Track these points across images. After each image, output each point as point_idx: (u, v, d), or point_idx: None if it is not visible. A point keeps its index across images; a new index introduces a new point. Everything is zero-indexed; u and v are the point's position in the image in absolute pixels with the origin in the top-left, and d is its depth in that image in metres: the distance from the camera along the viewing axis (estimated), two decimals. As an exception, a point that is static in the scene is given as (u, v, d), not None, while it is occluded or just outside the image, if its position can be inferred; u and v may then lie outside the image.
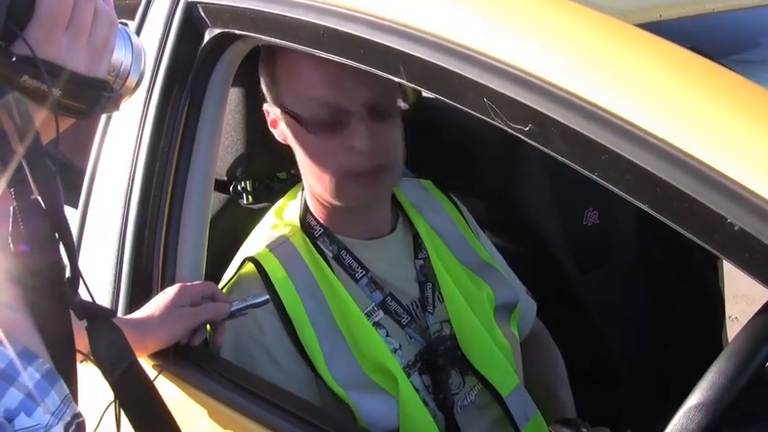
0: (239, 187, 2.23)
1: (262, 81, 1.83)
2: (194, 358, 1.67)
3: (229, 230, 2.12)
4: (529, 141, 1.17)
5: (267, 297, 1.70)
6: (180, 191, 1.79)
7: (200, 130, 1.79)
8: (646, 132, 1.05)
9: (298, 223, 1.85)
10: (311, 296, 1.75)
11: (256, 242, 1.87)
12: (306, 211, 1.86)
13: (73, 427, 1.00)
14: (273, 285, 1.73)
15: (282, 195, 1.99)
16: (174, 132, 1.78)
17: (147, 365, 1.31)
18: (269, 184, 2.24)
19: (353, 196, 1.77)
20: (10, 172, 1.00)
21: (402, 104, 1.76)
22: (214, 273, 1.89)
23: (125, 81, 1.09)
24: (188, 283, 1.71)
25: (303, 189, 1.88)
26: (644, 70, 1.12)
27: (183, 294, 1.66)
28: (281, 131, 1.82)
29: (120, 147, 1.82)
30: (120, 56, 1.08)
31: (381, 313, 1.79)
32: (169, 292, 1.67)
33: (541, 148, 1.16)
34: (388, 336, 1.77)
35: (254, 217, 2.03)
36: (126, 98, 1.12)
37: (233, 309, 1.68)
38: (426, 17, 1.31)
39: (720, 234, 1.01)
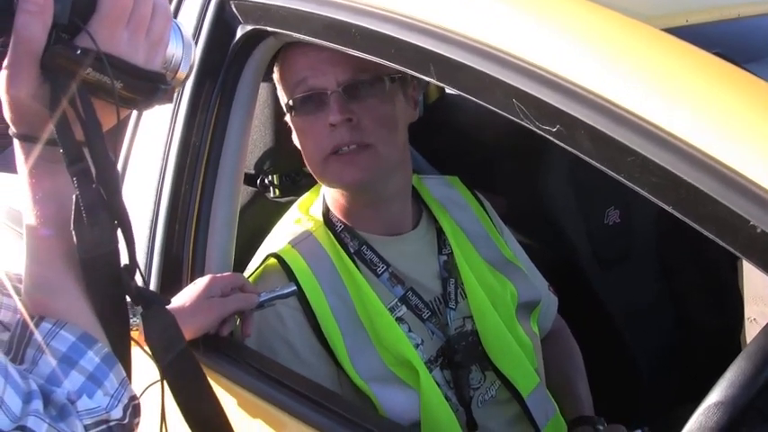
0: (266, 181, 2.25)
1: (277, 89, 1.89)
2: (224, 349, 1.69)
3: (256, 223, 2.14)
4: (556, 142, 1.19)
5: (294, 288, 1.72)
6: (210, 184, 1.82)
7: (230, 125, 1.82)
8: (671, 135, 1.07)
9: (321, 218, 1.88)
10: (334, 290, 1.77)
11: (279, 237, 1.89)
12: (327, 207, 1.89)
13: (130, 410, 1.03)
14: (297, 280, 1.76)
15: (308, 190, 2.02)
16: (205, 126, 1.80)
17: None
18: (295, 179, 2.27)
19: (338, 176, 1.79)
20: (73, 161, 1.03)
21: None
22: (241, 264, 1.92)
23: (175, 73, 1.12)
24: (218, 275, 1.74)
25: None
26: (671, 74, 1.13)
27: (212, 285, 1.69)
28: (294, 134, 1.86)
29: (151, 140, 1.85)
30: (173, 49, 1.11)
31: (404, 308, 1.81)
32: (199, 283, 1.69)
33: (569, 148, 1.18)
34: (410, 331, 1.79)
35: (280, 210, 2.05)
36: (177, 90, 1.15)
37: (261, 299, 1.71)
38: (457, 18, 1.33)
39: (743, 236, 1.02)
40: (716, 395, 1.25)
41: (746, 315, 2.34)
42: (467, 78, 1.30)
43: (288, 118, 1.86)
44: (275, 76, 1.86)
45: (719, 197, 1.03)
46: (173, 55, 1.11)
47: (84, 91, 1.01)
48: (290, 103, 1.79)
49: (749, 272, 2.22)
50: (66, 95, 1.01)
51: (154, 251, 1.80)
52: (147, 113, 1.86)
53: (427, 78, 1.37)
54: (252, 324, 1.73)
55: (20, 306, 1.19)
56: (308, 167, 1.83)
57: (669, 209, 1.09)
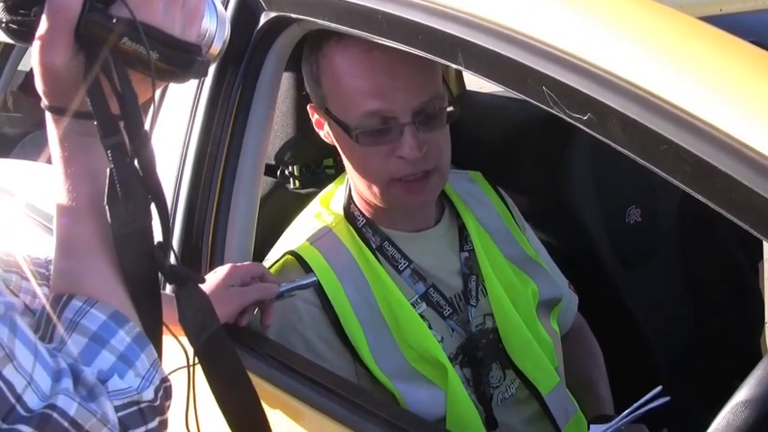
0: (287, 172, 2.24)
1: (306, 80, 1.84)
2: (244, 339, 1.68)
3: (276, 213, 2.13)
4: (587, 130, 1.17)
5: (315, 278, 1.71)
6: (231, 173, 1.80)
7: (252, 114, 1.81)
8: (705, 123, 1.05)
9: (341, 212, 1.86)
10: (355, 285, 1.76)
11: (298, 233, 1.88)
12: (350, 201, 1.87)
13: (161, 392, 1.01)
14: (316, 276, 1.75)
15: (328, 182, 2.00)
16: (226, 115, 1.79)
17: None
18: (315, 171, 2.26)
19: (401, 202, 1.78)
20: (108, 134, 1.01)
21: (450, 109, 1.76)
22: (260, 255, 1.91)
23: (209, 48, 1.11)
24: (238, 264, 1.73)
25: (348, 179, 1.89)
26: (704, 61, 1.11)
27: (233, 274, 1.67)
28: (327, 134, 1.84)
29: (172, 129, 1.83)
30: (206, 23, 1.09)
31: (424, 305, 1.79)
32: (220, 272, 1.68)
33: (599, 137, 1.16)
34: (430, 328, 1.77)
35: (300, 201, 2.05)
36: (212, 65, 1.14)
37: (281, 290, 1.70)
38: (486, 4, 1.31)
39: (778, 227, 1.01)
40: (743, 393, 1.24)
41: (766, 319, 2.33)
42: (495, 66, 1.28)
43: (328, 129, 1.82)
44: (307, 71, 1.81)
45: (755, 186, 1.01)
46: (206, 29, 1.10)
47: (119, 61, 1.00)
48: (349, 125, 1.73)
49: (769, 276, 2.21)
50: (101, 65, 0.99)
51: (173, 240, 1.79)
52: (168, 101, 1.85)
53: (455, 66, 1.35)
54: (271, 314, 1.72)
55: (38, 290, 1.18)
56: (360, 185, 1.81)
57: (703, 199, 1.07)
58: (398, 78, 1.67)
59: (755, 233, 1.04)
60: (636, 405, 1.53)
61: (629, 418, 1.52)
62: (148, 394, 0.99)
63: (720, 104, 1.06)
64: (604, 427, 1.52)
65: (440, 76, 1.76)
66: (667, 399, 1.52)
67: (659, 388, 1.52)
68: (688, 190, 1.08)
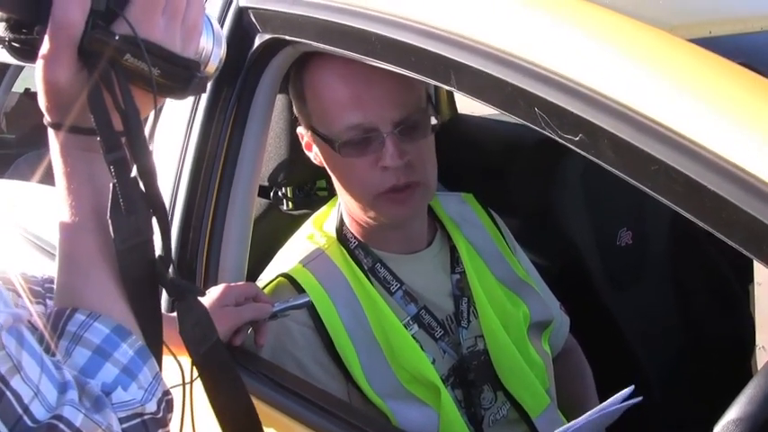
0: (280, 193, 2.25)
1: (293, 101, 1.85)
2: (238, 358, 1.67)
3: (269, 235, 2.14)
4: (579, 151, 1.18)
5: (309, 298, 1.72)
6: (225, 194, 1.81)
7: (246, 135, 1.82)
8: (695, 143, 1.06)
9: (334, 234, 1.87)
10: (348, 306, 1.76)
11: (291, 254, 1.88)
12: (342, 223, 1.87)
13: (164, 404, 1.02)
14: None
15: (321, 203, 2.01)
16: (221, 136, 1.80)
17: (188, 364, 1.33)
18: (309, 192, 2.27)
19: (387, 215, 1.78)
20: (111, 149, 1.03)
21: (434, 120, 1.77)
22: (253, 276, 1.91)
23: (206, 65, 1.12)
24: (232, 284, 1.73)
25: (340, 202, 1.90)
26: (694, 82, 1.12)
27: (227, 294, 1.68)
28: (315, 154, 1.84)
29: (167, 148, 1.84)
30: (204, 41, 1.11)
31: (416, 327, 1.80)
32: (214, 292, 1.68)
33: (591, 158, 1.17)
34: (422, 350, 1.77)
35: (293, 223, 2.05)
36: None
37: (275, 309, 1.70)
38: (478, 26, 1.32)
39: (768, 245, 1.02)
40: (735, 411, 1.24)
41: (757, 343, 2.33)
42: (488, 87, 1.29)
43: (316, 149, 1.83)
44: (293, 91, 1.83)
45: (744, 205, 1.02)
46: (203, 47, 1.11)
47: (122, 77, 1.01)
48: (331, 138, 1.74)
49: (761, 300, 2.21)
50: (104, 82, 1.01)
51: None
52: (163, 120, 1.85)
53: (447, 87, 1.36)
54: (265, 334, 1.72)
55: (31, 308, 1.18)
56: (349, 201, 1.81)
57: (693, 218, 1.08)
58: (377, 88, 1.68)
59: (745, 251, 1.05)
60: (605, 404, 1.53)
61: (595, 416, 1.52)
62: (151, 406, 1.00)
63: (710, 125, 1.07)
64: (566, 426, 1.51)
65: (422, 89, 1.77)
66: (639, 399, 1.53)
67: (631, 387, 1.52)
68: (678, 209, 1.09)
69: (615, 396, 1.52)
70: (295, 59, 1.79)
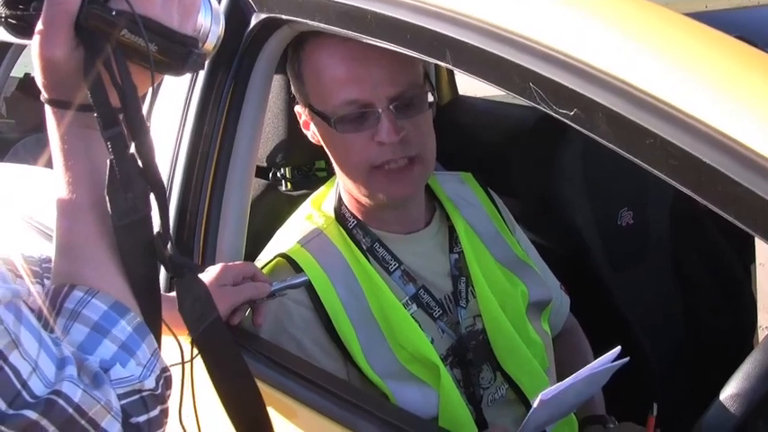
0: (278, 174, 2.25)
1: (291, 82, 1.85)
2: (236, 337, 1.67)
3: (268, 215, 2.14)
4: (574, 126, 1.18)
5: (306, 278, 1.72)
6: (222, 174, 1.81)
7: (243, 116, 1.82)
8: (690, 117, 1.06)
9: (332, 214, 1.87)
10: (346, 286, 1.76)
11: (289, 235, 1.88)
12: (340, 202, 1.87)
13: (162, 381, 1.02)
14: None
15: (320, 184, 2.01)
16: (217, 117, 1.80)
17: (188, 344, 1.32)
18: (307, 173, 2.26)
19: (385, 192, 1.78)
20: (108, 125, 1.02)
21: (431, 98, 1.77)
22: (251, 257, 1.91)
23: (204, 43, 1.12)
24: (229, 263, 1.73)
25: (338, 181, 1.90)
26: (690, 55, 1.12)
27: (225, 274, 1.68)
28: (313, 132, 1.84)
29: (163, 130, 1.84)
30: (202, 18, 1.11)
31: (415, 306, 1.80)
32: (211, 272, 1.68)
33: (586, 132, 1.16)
34: (421, 329, 1.77)
35: (292, 203, 2.05)
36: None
37: (273, 289, 1.70)
38: (472, 2, 1.32)
39: (763, 219, 1.01)
40: (732, 387, 1.25)
41: (759, 323, 2.33)
42: (483, 63, 1.29)
43: (313, 127, 1.83)
44: (291, 70, 1.83)
45: (740, 179, 1.02)
46: (201, 24, 1.11)
47: (120, 53, 1.01)
48: (328, 114, 1.74)
49: (763, 281, 2.21)
50: (101, 58, 1.01)
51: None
52: (159, 101, 1.85)
53: (443, 64, 1.36)
54: (263, 313, 1.73)
55: (31, 288, 1.18)
56: (346, 180, 1.81)
57: (689, 192, 1.07)
58: (373, 66, 1.69)
59: (741, 225, 1.04)
60: (594, 363, 1.53)
61: (585, 375, 1.52)
62: (150, 383, 1.00)
63: (706, 98, 1.07)
64: (556, 386, 1.52)
65: (419, 66, 1.77)
66: (626, 360, 1.53)
67: (618, 348, 1.53)
68: (674, 183, 1.09)
69: (603, 356, 1.53)
70: (292, 39, 1.79)
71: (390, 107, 1.71)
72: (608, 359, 1.54)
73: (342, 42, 1.68)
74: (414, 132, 1.74)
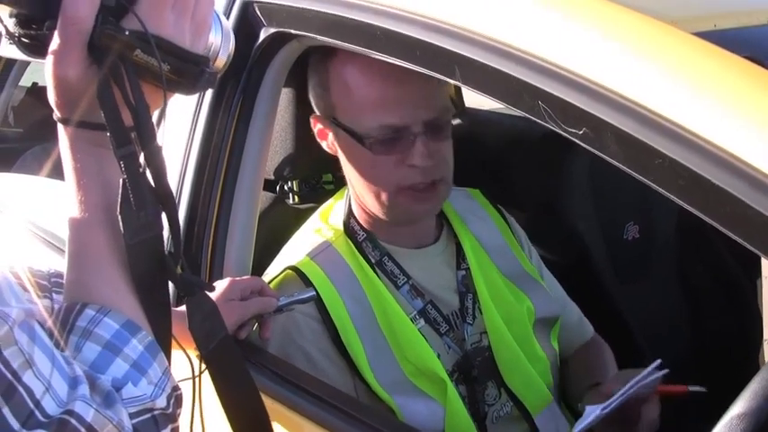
0: (286, 187, 2.25)
1: (311, 90, 1.85)
2: (243, 352, 1.68)
3: (275, 229, 2.14)
4: (583, 145, 1.18)
5: (314, 293, 1.72)
6: (230, 188, 1.81)
7: (251, 129, 1.82)
8: (699, 137, 1.06)
9: (341, 227, 1.87)
10: (354, 299, 1.77)
11: (298, 248, 1.88)
12: (350, 215, 1.87)
13: (173, 399, 1.02)
14: (316, 290, 1.75)
15: (327, 197, 2.01)
16: (226, 130, 1.80)
17: (196, 358, 1.32)
18: (314, 186, 2.26)
19: (407, 211, 1.79)
20: (121, 144, 1.03)
21: (456, 121, 1.78)
22: (259, 270, 1.91)
23: (215, 60, 1.12)
24: (237, 278, 1.73)
25: (348, 194, 1.90)
26: (699, 75, 1.12)
27: (232, 288, 1.68)
28: (331, 143, 1.84)
29: (172, 142, 1.84)
30: (212, 36, 1.11)
31: (422, 321, 1.80)
32: (219, 286, 1.68)
33: (595, 151, 1.17)
34: (428, 344, 1.77)
35: (299, 216, 2.05)
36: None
37: (280, 303, 1.70)
38: (482, 20, 1.32)
39: (772, 240, 1.02)
40: (739, 406, 1.24)
41: (765, 337, 2.33)
42: (492, 81, 1.29)
43: (332, 138, 1.83)
44: (315, 78, 1.82)
45: (749, 200, 1.02)
46: (212, 42, 1.11)
47: (132, 73, 1.01)
48: (359, 133, 1.74)
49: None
50: (114, 77, 1.01)
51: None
52: (168, 115, 1.85)
53: (452, 81, 1.36)
54: (270, 328, 1.73)
55: (38, 303, 1.19)
56: (366, 195, 1.81)
57: (697, 212, 1.08)
58: (410, 90, 1.70)
59: (749, 246, 1.05)
60: (635, 380, 1.53)
61: (627, 394, 1.52)
62: (161, 402, 1.00)
63: (714, 118, 1.07)
64: (601, 406, 1.52)
65: (448, 88, 1.78)
66: (666, 371, 1.53)
67: (658, 361, 1.52)
68: (682, 203, 1.09)
69: (647, 369, 1.53)
70: (317, 48, 1.78)
71: (425, 131, 1.71)
72: (651, 370, 1.55)
73: (378, 62, 1.67)
74: (442, 156, 1.76)
